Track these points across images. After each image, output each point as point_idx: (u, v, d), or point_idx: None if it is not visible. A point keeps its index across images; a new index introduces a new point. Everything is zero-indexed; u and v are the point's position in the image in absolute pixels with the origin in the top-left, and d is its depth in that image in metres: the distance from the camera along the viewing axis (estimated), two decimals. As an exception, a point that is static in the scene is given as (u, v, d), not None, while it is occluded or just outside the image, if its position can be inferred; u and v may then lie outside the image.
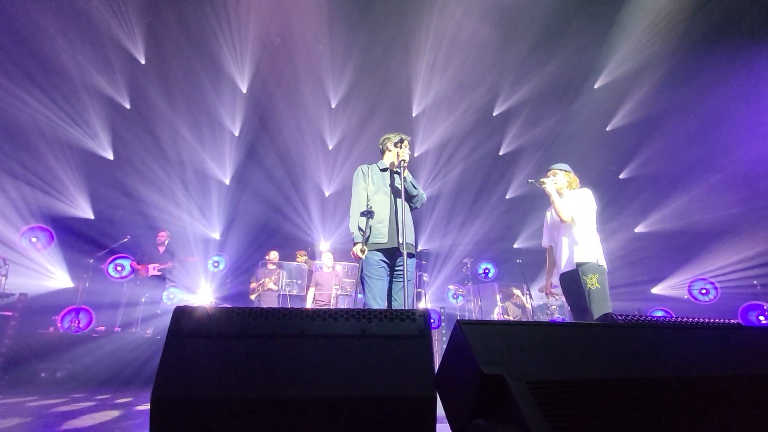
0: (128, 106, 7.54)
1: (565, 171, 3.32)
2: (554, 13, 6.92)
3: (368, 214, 2.80)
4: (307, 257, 7.07)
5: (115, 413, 2.81)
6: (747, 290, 6.81)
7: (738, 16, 6.43)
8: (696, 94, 7.36)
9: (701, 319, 1.98)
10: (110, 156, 7.68)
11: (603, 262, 2.96)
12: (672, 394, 0.86)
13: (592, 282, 2.84)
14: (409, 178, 3.00)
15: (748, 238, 7.26)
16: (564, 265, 3.09)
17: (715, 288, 7.00)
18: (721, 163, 7.57)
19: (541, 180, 3.26)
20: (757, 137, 7.16)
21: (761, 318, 6.00)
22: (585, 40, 7.23)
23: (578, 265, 2.95)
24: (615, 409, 0.80)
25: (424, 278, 6.77)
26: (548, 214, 3.40)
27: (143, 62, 7.21)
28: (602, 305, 2.78)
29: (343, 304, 6.15)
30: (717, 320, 2.00)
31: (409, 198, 2.99)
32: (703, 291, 7.07)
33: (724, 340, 1.09)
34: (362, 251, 2.75)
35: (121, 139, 7.80)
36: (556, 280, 3.32)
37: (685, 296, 7.25)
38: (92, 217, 7.59)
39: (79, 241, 7.02)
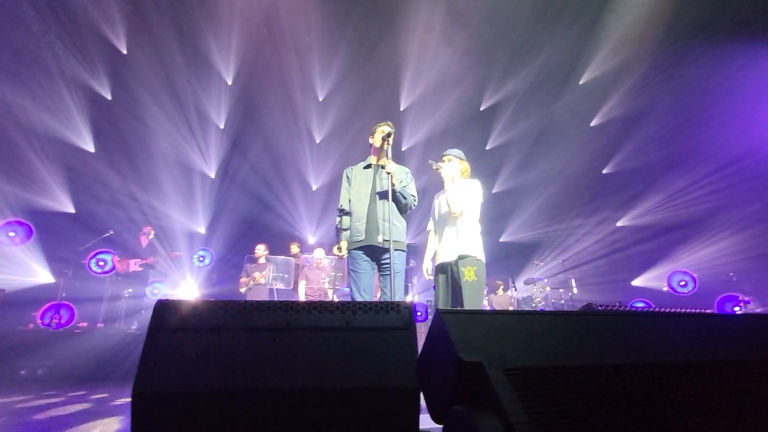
0: (109, 97, 7.34)
1: (460, 158, 3.21)
2: (540, 10, 6.97)
3: (344, 213, 3.01)
4: (299, 249, 7.02)
5: (97, 408, 2.77)
6: (724, 282, 7.02)
7: (719, 14, 6.56)
8: (678, 90, 7.52)
9: (679, 309, 2.04)
10: (91, 148, 7.47)
11: (482, 256, 2.92)
12: (649, 380, 0.87)
13: (469, 274, 2.80)
14: (405, 182, 3.14)
15: (725, 232, 7.49)
16: (445, 254, 2.98)
17: (694, 280, 7.19)
18: (700, 158, 7.77)
19: (439, 165, 3.14)
20: (737, 133, 7.36)
21: (736, 308, 6.20)
22: (570, 36, 7.29)
23: (460, 257, 2.87)
24: (592, 395, 0.81)
25: (411, 264, 6.81)
26: (437, 200, 3.28)
27: (125, 52, 7.02)
28: (475, 298, 2.75)
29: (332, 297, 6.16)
30: (694, 310, 2.06)
31: (396, 201, 2.97)
32: (682, 283, 7.26)
33: (699, 328, 1.11)
34: (339, 249, 2.95)
35: (102, 131, 7.58)
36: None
37: (665, 288, 7.44)
38: (73, 211, 7.40)
39: (59, 235, 6.84)
